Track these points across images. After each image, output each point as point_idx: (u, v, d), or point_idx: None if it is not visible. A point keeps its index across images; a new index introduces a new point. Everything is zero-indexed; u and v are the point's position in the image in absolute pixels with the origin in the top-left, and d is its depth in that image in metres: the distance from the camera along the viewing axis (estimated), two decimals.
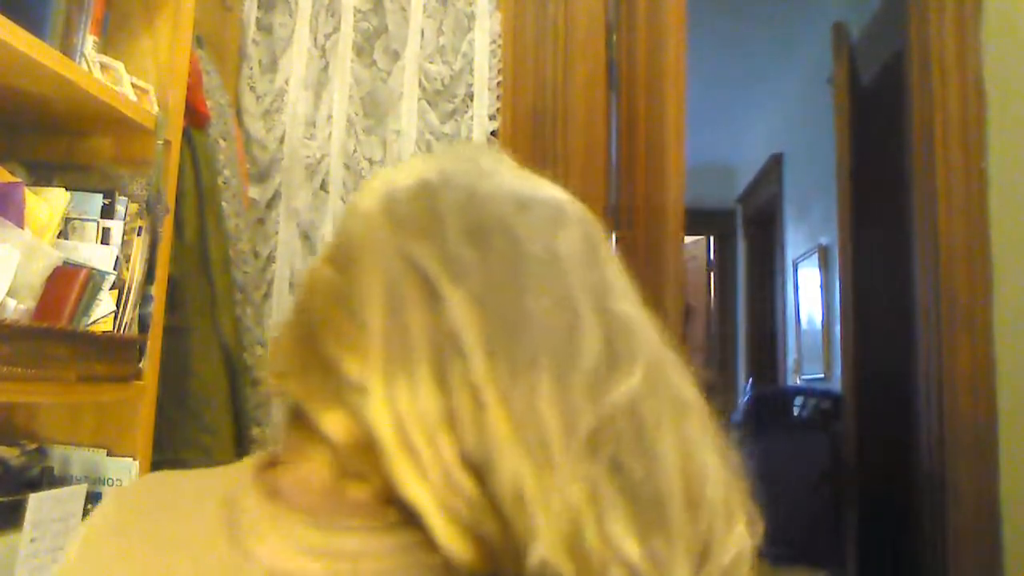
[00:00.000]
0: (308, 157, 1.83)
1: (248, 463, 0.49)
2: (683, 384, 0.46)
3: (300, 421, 0.47)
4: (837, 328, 2.95)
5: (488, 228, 0.46)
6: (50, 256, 1.07)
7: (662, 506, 0.41)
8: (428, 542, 0.41)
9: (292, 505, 0.45)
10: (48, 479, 1.20)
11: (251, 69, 1.87)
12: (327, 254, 0.50)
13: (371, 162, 1.84)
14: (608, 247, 0.51)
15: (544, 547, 0.39)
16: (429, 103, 1.83)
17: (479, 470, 0.40)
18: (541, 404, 0.41)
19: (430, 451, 0.40)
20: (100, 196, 1.18)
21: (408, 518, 0.42)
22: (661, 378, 0.45)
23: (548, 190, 0.51)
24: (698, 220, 4.54)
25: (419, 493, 0.40)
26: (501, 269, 0.44)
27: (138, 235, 1.21)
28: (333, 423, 0.44)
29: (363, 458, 0.43)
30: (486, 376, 0.41)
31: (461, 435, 0.40)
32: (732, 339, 5.20)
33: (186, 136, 1.39)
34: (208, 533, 0.45)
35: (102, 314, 1.13)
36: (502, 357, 0.41)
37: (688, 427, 0.45)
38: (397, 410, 0.41)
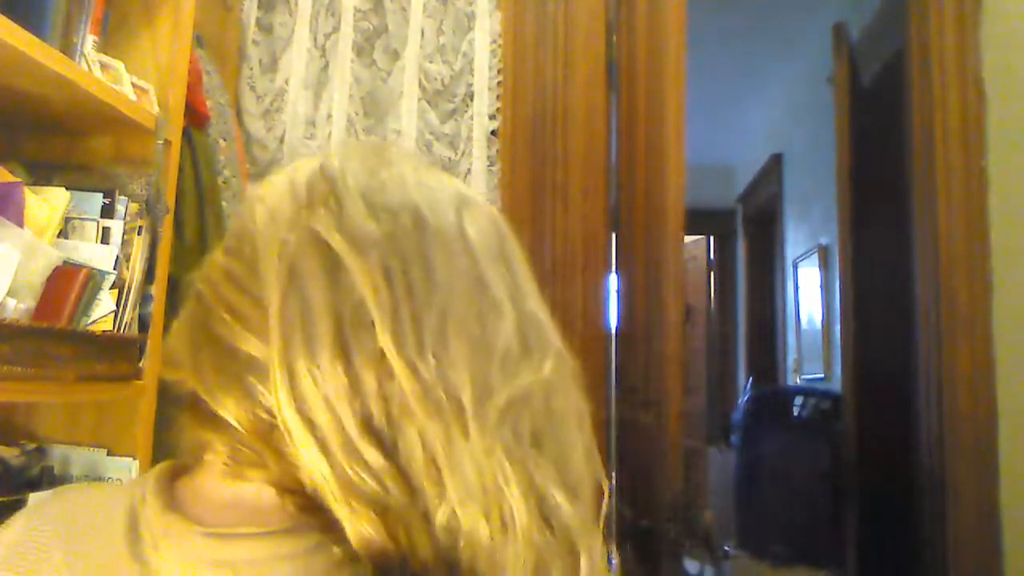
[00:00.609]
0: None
1: (150, 475, 0.48)
2: (581, 393, 0.46)
3: (197, 411, 0.45)
4: (837, 328, 2.95)
5: (392, 206, 0.45)
6: (50, 256, 1.07)
7: (576, 488, 0.42)
8: (325, 543, 0.40)
9: (190, 515, 0.44)
10: (48, 479, 1.20)
11: (251, 69, 1.87)
12: (224, 245, 0.48)
13: None
14: (517, 247, 0.50)
15: (455, 506, 0.38)
16: (429, 103, 1.83)
17: (384, 437, 0.39)
18: (452, 373, 0.40)
19: (331, 423, 0.39)
20: (100, 196, 1.18)
21: (308, 510, 0.41)
22: (567, 379, 0.45)
23: (453, 182, 0.50)
24: (698, 220, 4.53)
25: (319, 468, 0.39)
26: (407, 243, 0.43)
27: (138, 235, 1.21)
28: (231, 407, 0.43)
29: (262, 442, 0.42)
30: (393, 345, 0.40)
31: (365, 404, 0.39)
32: (732, 339, 5.20)
33: (186, 136, 1.39)
34: (113, 548, 0.44)
35: (102, 314, 1.13)
36: (409, 327, 0.41)
37: (587, 435, 0.45)
38: (298, 386, 0.40)
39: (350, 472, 0.39)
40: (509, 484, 0.39)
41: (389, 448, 0.39)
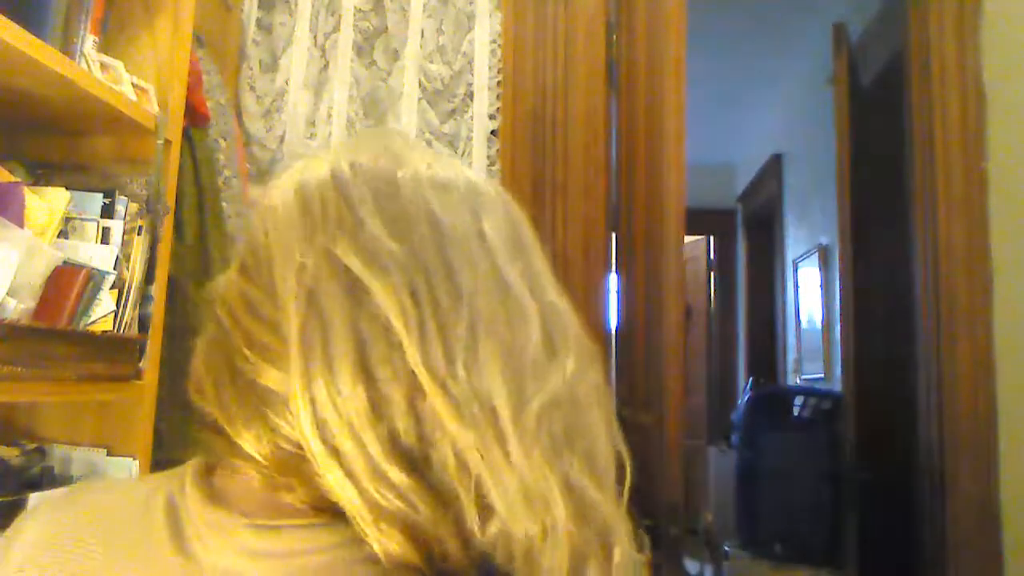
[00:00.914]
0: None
1: (187, 468, 0.48)
2: (600, 375, 0.47)
3: (225, 438, 0.45)
4: (837, 328, 2.95)
5: (409, 215, 0.45)
6: (50, 256, 1.07)
7: (604, 474, 0.43)
8: (361, 537, 0.41)
9: (232, 508, 0.44)
10: (48, 479, 1.20)
11: (251, 69, 1.87)
12: (238, 263, 0.48)
13: None
14: (531, 232, 0.50)
15: (502, 514, 0.39)
16: (429, 103, 1.83)
17: (413, 455, 0.39)
18: (484, 383, 0.40)
19: (355, 448, 0.39)
20: (100, 196, 1.18)
21: (340, 519, 0.41)
22: (589, 366, 0.46)
23: (465, 173, 0.50)
24: (698, 220, 4.53)
25: (346, 493, 0.39)
26: (429, 255, 0.43)
27: (138, 235, 1.21)
28: (253, 441, 0.43)
29: (287, 471, 0.42)
30: (423, 364, 0.40)
31: (391, 424, 0.40)
32: (732, 339, 5.20)
33: (186, 136, 1.39)
34: (155, 540, 0.44)
35: (102, 314, 1.13)
36: (437, 343, 0.41)
37: (607, 411, 0.46)
38: (319, 415, 0.40)
39: (377, 495, 0.39)
40: (552, 489, 0.40)
41: (418, 465, 0.39)
